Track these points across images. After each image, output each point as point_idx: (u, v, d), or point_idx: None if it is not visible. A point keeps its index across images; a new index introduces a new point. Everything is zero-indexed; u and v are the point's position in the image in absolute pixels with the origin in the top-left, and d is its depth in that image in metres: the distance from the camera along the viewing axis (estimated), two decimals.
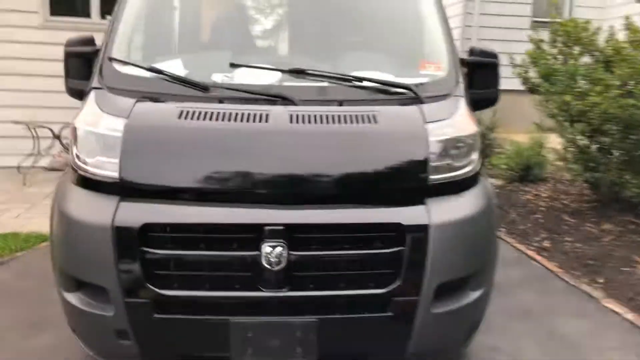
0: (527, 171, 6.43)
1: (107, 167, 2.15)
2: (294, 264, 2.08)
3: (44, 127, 6.79)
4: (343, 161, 2.18)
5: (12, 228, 5.12)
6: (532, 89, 5.64)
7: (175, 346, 2.16)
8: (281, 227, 2.06)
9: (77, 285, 2.19)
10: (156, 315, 2.09)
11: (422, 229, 2.13)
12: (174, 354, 2.17)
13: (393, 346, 2.18)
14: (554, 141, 6.21)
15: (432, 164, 2.21)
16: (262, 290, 2.09)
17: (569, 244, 4.71)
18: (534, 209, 5.64)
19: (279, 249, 2.05)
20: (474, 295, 2.28)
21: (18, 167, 7.02)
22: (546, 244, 4.80)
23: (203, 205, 2.13)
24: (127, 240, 2.05)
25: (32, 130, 6.79)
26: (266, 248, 2.05)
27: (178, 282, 2.11)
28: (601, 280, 4.04)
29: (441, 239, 2.14)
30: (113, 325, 2.11)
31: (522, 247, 4.73)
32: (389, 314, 2.13)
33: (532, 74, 5.50)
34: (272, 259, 2.05)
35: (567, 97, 4.55)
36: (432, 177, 2.21)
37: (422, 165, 2.21)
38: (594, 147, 4.86)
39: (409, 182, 2.23)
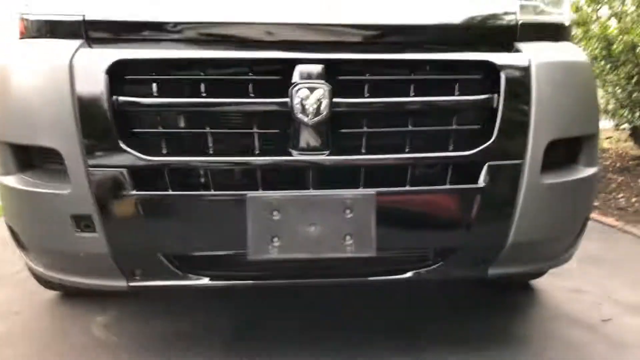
0: None
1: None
2: (340, 115, 1.41)
3: None
4: None
5: None
6: None
7: (163, 240, 1.43)
8: (320, 65, 1.40)
9: (20, 158, 1.48)
10: (134, 193, 1.38)
11: (523, 68, 1.48)
12: (160, 253, 1.44)
13: (487, 233, 1.48)
14: None
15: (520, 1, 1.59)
16: (293, 155, 1.41)
17: (623, 200, 4.08)
18: None
19: (319, 92, 1.38)
20: (589, 171, 1.61)
21: None
22: (595, 202, 4.17)
23: (206, 45, 1.47)
24: (93, 85, 1.37)
25: None
26: (300, 91, 1.38)
27: (168, 143, 1.42)
28: None
29: (549, 80, 1.49)
30: (70, 208, 1.39)
31: None
32: (482, 185, 1.44)
33: None
34: (308, 106, 1.38)
35: (612, 31, 3.98)
36: (521, 16, 1.58)
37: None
38: None
39: (492, 21, 1.59)
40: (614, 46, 4.09)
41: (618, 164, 4.75)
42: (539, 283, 2.48)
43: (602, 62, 4.35)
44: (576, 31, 4.65)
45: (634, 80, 4.13)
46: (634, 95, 4.19)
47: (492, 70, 1.47)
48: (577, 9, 4.59)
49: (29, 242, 1.52)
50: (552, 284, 2.48)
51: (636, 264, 2.84)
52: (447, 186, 1.44)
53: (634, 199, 4.03)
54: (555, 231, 1.57)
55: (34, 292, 2.32)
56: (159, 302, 2.19)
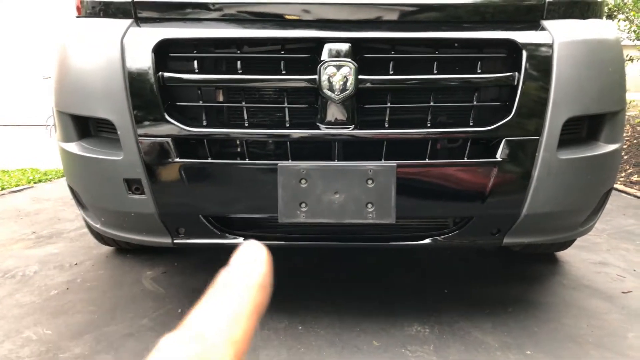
0: None
1: None
2: (365, 91, 1.51)
3: None
4: None
5: (34, 166, 4.87)
6: (609, 14, 4.91)
7: (203, 203, 1.60)
8: (347, 44, 1.49)
9: (79, 128, 1.67)
10: (178, 160, 1.54)
11: (545, 47, 1.52)
12: (201, 214, 1.62)
13: (502, 204, 1.57)
14: None
15: None
16: (320, 129, 1.53)
17: None
18: None
19: (345, 70, 1.48)
20: (609, 147, 1.65)
21: (46, 125, 7.41)
22: (635, 177, 4.09)
23: (242, 24, 1.58)
24: (141, 62, 1.52)
25: None
26: (328, 69, 1.48)
27: (207, 116, 1.57)
28: None
29: (570, 59, 1.53)
30: (122, 172, 1.57)
31: None
32: (499, 159, 1.52)
33: None
34: (334, 83, 1.48)
35: None
36: None
37: None
38: None
39: (519, 0, 1.61)
40: None
41: None
42: (564, 255, 2.53)
43: None
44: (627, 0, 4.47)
45: None
46: None
47: (515, 48, 1.53)
48: None
49: (88, 201, 1.73)
50: (577, 257, 2.53)
51: None
52: (466, 160, 1.53)
53: None
54: (570, 205, 1.62)
55: (91, 247, 2.58)
56: (201, 260, 2.41)
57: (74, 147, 1.67)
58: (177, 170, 1.55)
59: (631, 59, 4.96)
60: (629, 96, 5.60)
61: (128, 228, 1.71)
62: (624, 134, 5.31)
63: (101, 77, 1.56)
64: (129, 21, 1.59)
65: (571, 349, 1.69)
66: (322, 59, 1.49)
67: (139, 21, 1.60)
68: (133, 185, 1.58)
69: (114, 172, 1.58)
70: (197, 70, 1.56)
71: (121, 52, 1.53)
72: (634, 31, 4.47)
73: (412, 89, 1.55)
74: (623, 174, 4.21)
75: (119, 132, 1.54)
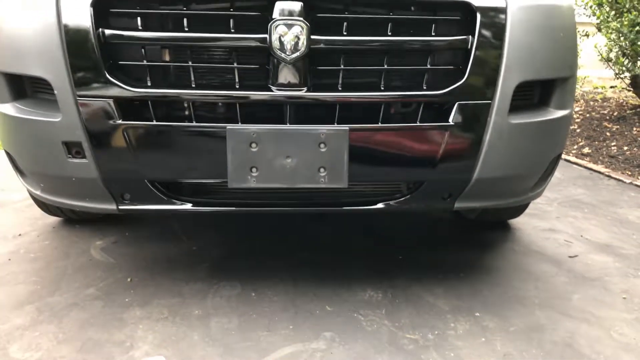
0: None
1: None
2: (317, 52, 1.47)
3: None
4: None
5: None
6: None
7: (148, 167, 1.53)
8: (299, 2, 1.43)
9: (14, 87, 1.56)
10: (120, 122, 1.46)
11: (499, 10, 1.51)
12: (147, 179, 1.55)
13: (454, 168, 1.57)
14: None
15: None
16: (272, 90, 1.48)
17: (615, 148, 4.12)
18: None
19: (296, 29, 1.43)
20: (559, 113, 1.67)
21: None
22: (587, 150, 4.22)
23: None
24: (79, 17, 1.42)
25: None
26: (279, 28, 1.42)
27: (152, 76, 1.48)
28: None
29: (524, 23, 1.52)
30: (60, 135, 1.48)
31: None
32: (451, 123, 1.51)
33: None
34: (286, 43, 1.43)
35: None
36: None
37: None
38: None
39: None
40: None
41: (616, 113, 4.75)
42: (516, 223, 2.59)
43: (607, 9, 4.25)
44: None
45: (636, 29, 4.05)
46: (638, 43, 4.12)
47: (469, 12, 1.50)
48: None
49: (25, 167, 1.63)
50: (529, 224, 2.59)
51: (615, 208, 2.93)
52: (418, 124, 1.52)
53: (625, 147, 4.07)
54: (520, 169, 1.64)
55: (37, 218, 2.47)
56: (154, 230, 2.34)
57: (8, 108, 1.56)
58: (120, 132, 1.48)
59: (587, 35, 5.06)
60: (584, 72, 5.73)
61: (69, 194, 1.63)
62: (578, 109, 5.48)
63: (35, 32, 1.45)
64: None
65: (518, 310, 1.74)
66: (273, 17, 1.43)
67: None
68: (73, 148, 1.50)
69: (51, 134, 1.49)
70: (140, 28, 1.47)
71: (56, 6, 1.42)
72: (590, 7, 4.55)
73: (365, 50, 1.51)
74: (575, 147, 4.34)
75: (55, 92, 1.45)
